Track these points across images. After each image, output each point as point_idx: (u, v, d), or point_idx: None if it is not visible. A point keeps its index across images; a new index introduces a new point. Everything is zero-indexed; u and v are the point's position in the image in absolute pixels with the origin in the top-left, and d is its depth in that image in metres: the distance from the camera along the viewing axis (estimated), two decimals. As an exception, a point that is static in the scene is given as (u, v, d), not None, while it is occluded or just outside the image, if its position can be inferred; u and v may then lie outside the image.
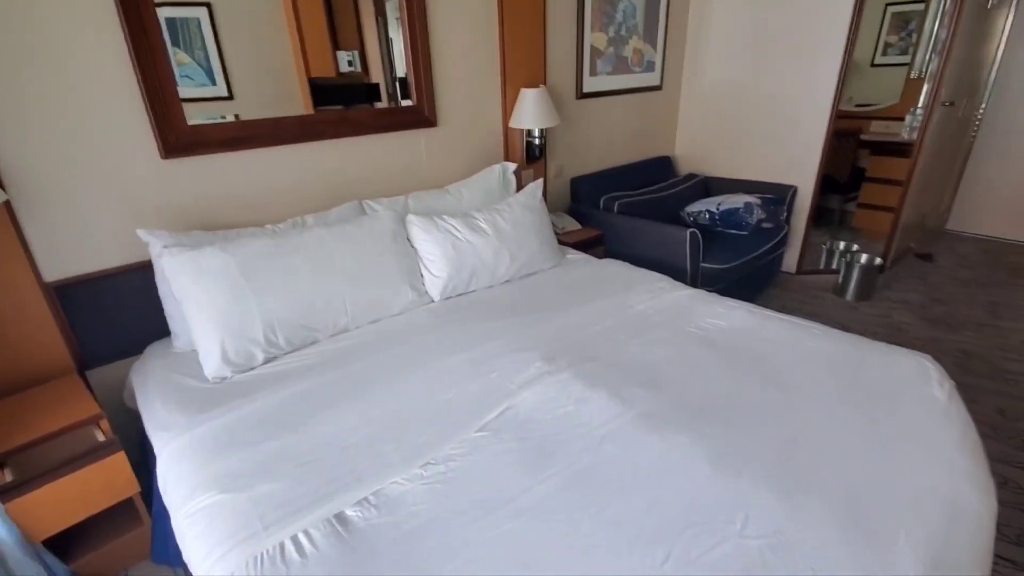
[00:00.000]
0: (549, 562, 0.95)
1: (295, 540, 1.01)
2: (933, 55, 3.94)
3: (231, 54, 1.86)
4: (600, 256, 2.80)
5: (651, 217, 3.01)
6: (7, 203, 1.54)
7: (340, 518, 1.06)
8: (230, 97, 1.94)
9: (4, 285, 1.58)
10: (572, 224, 2.85)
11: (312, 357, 1.68)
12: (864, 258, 3.27)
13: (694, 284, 2.60)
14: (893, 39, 4.52)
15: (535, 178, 2.79)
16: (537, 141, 2.66)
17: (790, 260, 3.39)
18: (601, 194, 3.00)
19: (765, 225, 3.00)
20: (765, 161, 3.32)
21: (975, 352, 2.64)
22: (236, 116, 1.90)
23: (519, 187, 2.51)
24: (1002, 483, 1.85)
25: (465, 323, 1.84)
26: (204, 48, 1.82)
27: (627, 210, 2.92)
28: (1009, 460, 1.95)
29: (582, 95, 2.92)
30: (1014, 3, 3.79)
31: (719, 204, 3.01)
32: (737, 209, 2.93)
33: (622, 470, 1.14)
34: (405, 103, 2.27)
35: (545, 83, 2.67)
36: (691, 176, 3.46)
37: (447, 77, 2.33)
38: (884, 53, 4.56)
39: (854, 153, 4.14)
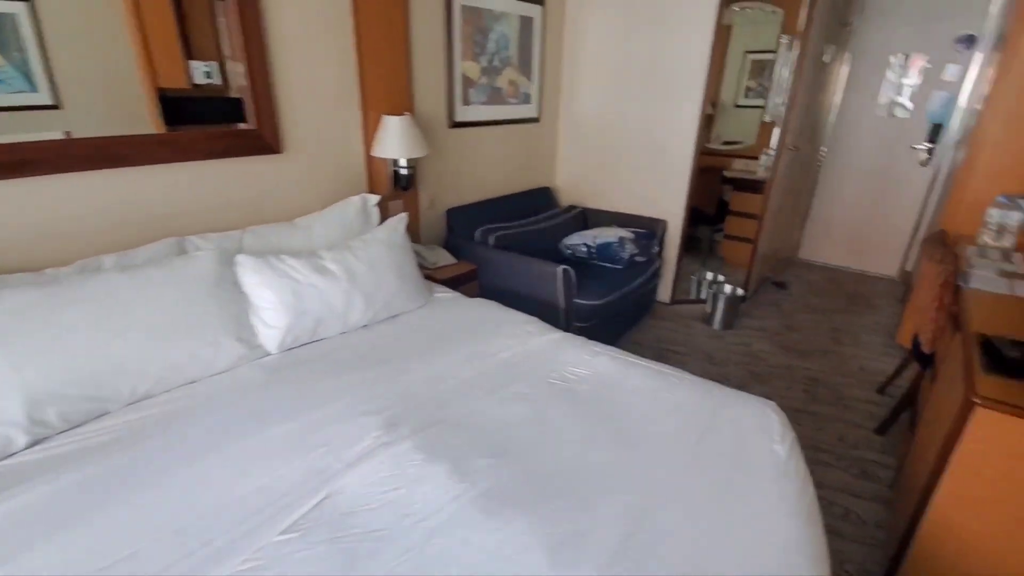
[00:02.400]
0: None
1: None
2: (782, 101, 4.32)
3: (59, 57, 1.59)
4: (475, 293, 2.68)
5: (531, 249, 2.94)
6: None
7: None
8: (56, 106, 1.63)
9: None
10: (446, 258, 2.70)
11: (98, 434, 1.35)
12: (728, 289, 3.44)
13: (568, 320, 2.56)
14: (752, 84, 4.95)
15: (404, 209, 2.61)
16: (404, 171, 2.50)
17: (664, 290, 3.50)
18: (478, 226, 2.89)
19: (638, 259, 3.05)
20: (639, 195, 3.41)
21: (821, 379, 2.83)
22: (68, 133, 1.64)
23: (385, 219, 2.31)
24: (843, 514, 1.93)
25: (305, 381, 1.60)
26: (23, 49, 1.54)
27: (504, 243, 2.82)
28: (849, 489, 2.05)
29: (455, 124, 2.80)
30: (846, 58, 4.28)
31: (595, 237, 3.02)
32: (611, 243, 2.95)
33: (448, 573, 0.98)
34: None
35: (412, 110, 2.52)
36: (571, 208, 3.47)
37: (294, 101, 2.10)
38: (746, 95, 4.98)
39: (719, 188, 4.42)
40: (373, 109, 2.35)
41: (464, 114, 2.83)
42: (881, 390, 2.71)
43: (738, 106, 5.00)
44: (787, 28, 4.29)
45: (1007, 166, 2.63)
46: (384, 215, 2.42)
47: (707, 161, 4.92)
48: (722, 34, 5.01)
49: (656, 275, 3.24)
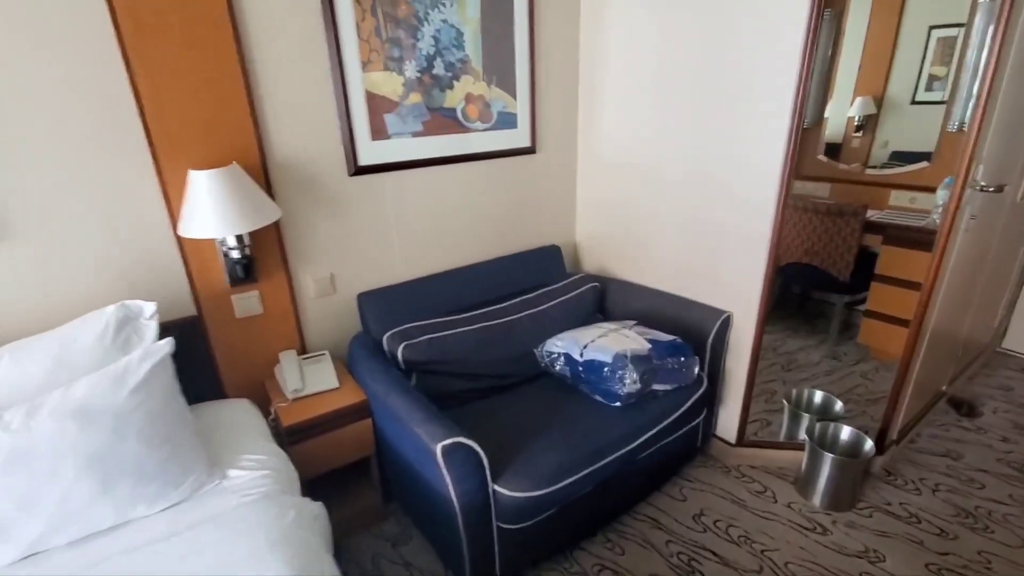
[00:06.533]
0: None
1: None
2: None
3: None
4: (366, 440, 1.71)
5: (480, 362, 1.89)
6: None
7: None
8: None
9: None
10: (326, 379, 1.74)
11: None
12: (845, 435, 1.98)
13: (476, 525, 1.43)
14: (941, 71, 3.25)
15: (261, 305, 1.72)
16: (237, 254, 1.60)
17: (728, 422, 2.14)
18: (404, 320, 1.89)
19: (658, 388, 1.79)
20: (689, 267, 2.11)
21: None
22: None
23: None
24: None
25: None
26: None
27: (426, 356, 1.78)
28: None
29: (359, 170, 1.84)
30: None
31: (584, 347, 1.83)
32: (602, 365, 1.73)
33: None
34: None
35: (257, 155, 1.61)
36: (584, 280, 2.28)
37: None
38: (929, 88, 3.29)
39: (859, 237, 2.83)
40: (172, 159, 1.49)
41: (375, 154, 1.85)
42: None
43: (916, 102, 3.32)
44: (995, -25, 2.58)
45: None
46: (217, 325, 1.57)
47: (847, 193, 3.32)
48: (891, 3, 3.40)
49: (698, 410, 1.92)
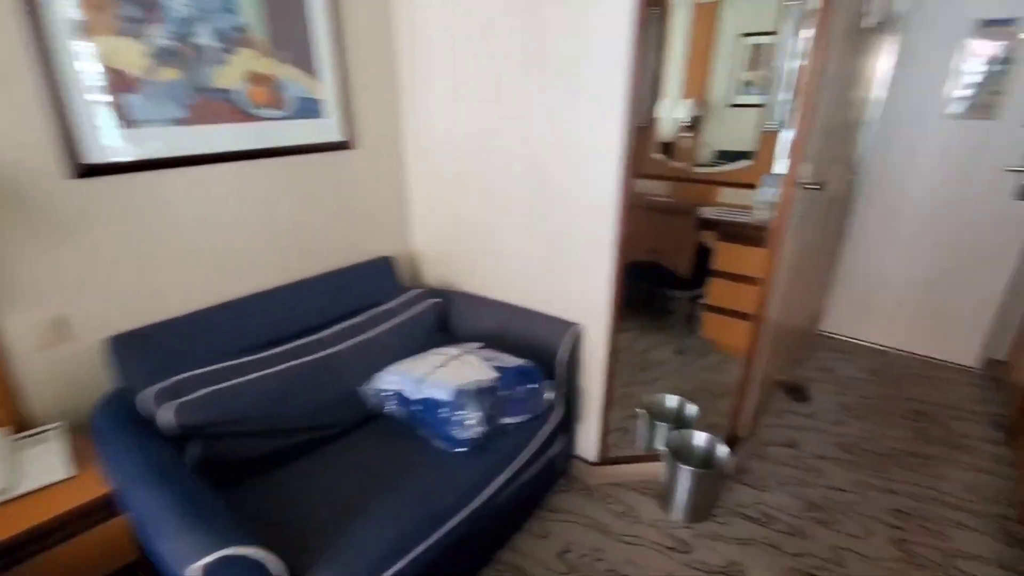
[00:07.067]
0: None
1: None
2: (787, 99, 2.79)
3: None
4: (125, 552, 1.21)
5: (300, 404, 1.48)
6: None
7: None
8: None
9: None
10: (52, 467, 1.22)
11: None
12: (700, 439, 1.92)
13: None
14: (751, 76, 3.46)
15: None
16: None
17: (587, 440, 1.98)
18: (179, 370, 1.41)
19: (508, 421, 1.55)
20: (534, 276, 1.91)
21: None
22: None
23: None
24: None
25: None
26: None
27: (208, 414, 1.34)
28: None
29: (89, 170, 1.33)
30: (903, 25, 2.74)
31: (419, 383, 1.52)
32: (438, 404, 1.44)
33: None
34: None
35: None
36: (421, 297, 1.97)
37: None
38: (743, 92, 3.50)
39: (696, 234, 2.90)
40: None
41: (116, 148, 1.36)
42: None
43: (733, 105, 3.52)
44: (797, -16, 2.77)
45: None
46: None
47: (683, 191, 3.44)
48: (707, 12, 3.58)
49: (555, 438, 1.72)
